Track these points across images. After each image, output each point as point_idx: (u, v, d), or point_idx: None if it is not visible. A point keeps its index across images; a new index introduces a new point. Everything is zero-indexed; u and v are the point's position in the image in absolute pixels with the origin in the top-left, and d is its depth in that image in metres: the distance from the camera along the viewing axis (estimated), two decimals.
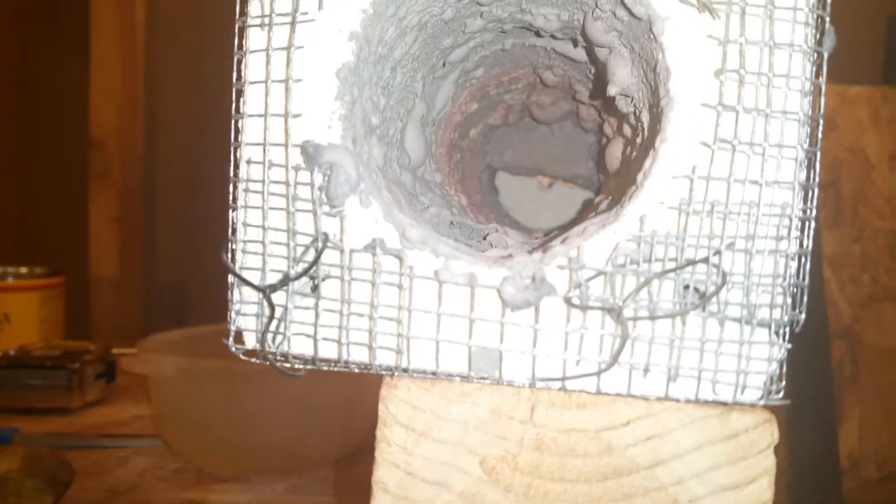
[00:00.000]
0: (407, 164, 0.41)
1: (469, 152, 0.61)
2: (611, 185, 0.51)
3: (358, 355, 0.32)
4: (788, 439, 1.10)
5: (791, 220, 0.29)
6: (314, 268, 0.31)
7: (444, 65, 0.43)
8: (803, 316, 0.30)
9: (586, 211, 0.53)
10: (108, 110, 1.46)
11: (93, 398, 1.03)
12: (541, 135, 0.70)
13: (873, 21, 1.41)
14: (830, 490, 1.14)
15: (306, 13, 0.31)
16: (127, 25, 1.45)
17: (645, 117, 0.37)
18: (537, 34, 0.41)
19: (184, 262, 1.55)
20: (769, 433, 0.33)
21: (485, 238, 0.40)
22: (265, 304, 0.32)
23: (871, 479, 1.22)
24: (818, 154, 0.29)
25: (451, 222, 0.41)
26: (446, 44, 0.40)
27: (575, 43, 0.42)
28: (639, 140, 0.39)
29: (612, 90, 0.38)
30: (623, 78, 0.36)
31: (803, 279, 0.30)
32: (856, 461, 1.23)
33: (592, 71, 0.46)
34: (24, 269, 1.22)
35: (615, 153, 0.49)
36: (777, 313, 0.30)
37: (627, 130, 0.43)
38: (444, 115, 0.48)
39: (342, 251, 0.31)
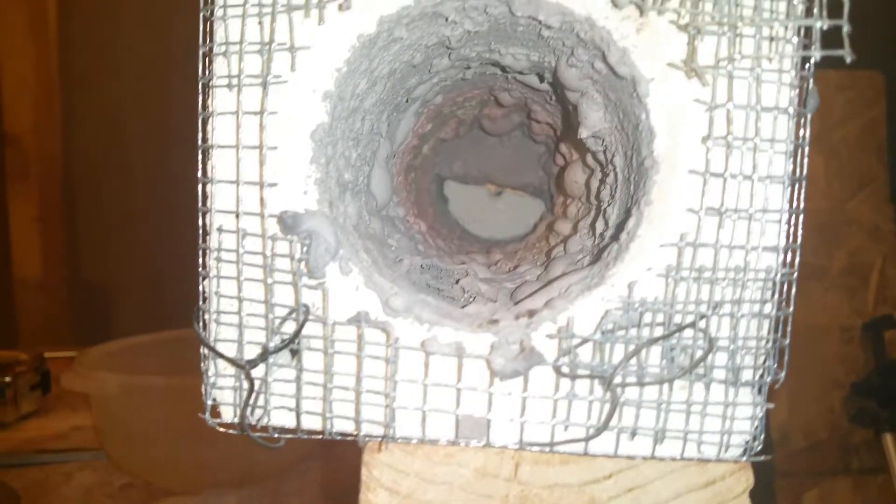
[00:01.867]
0: (374, 208, 0.39)
1: (421, 169, 0.60)
2: (572, 210, 0.51)
3: (342, 426, 0.31)
4: None
5: (775, 283, 0.29)
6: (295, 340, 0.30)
7: (407, 101, 0.41)
8: (784, 373, 0.30)
9: (546, 234, 0.53)
10: (23, 105, 1.38)
11: (28, 410, 1.00)
12: (489, 145, 0.69)
13: None
14: (762, 461, 1.19)
15: (279, 76, 0.29)
16: (37, 17, 1.37)
17: (619, 162, 0.36)
18: (503, 70, 0.40)
19: (108, 260, 1.49)
20: (745, 479, 0.33)
21: (457, 282, 0.39)
22: (243, 377, 0.30)
23: (799, 448, 1.29)
24: (801, 216, 0.29)
25: (422, 266, 0.40)
26: (412, 83, 0.39)
27: (541, 78, 0.41)
28: (609, 179, 0.39)
29: (583, 133, 0.37)
30: (595, 122, 0.36)
31: (785, 337, 0.30)
32: (785, 433, 1.28)
33: (554, 98, 0.45)
34: None
35: (575, 177, 0.49)
36: (759, 373, 0.30)
37: (593, 163, 0.43)
38: (405, 145, 0.47)
39: (324, 323, 0.30)
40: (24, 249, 1.40)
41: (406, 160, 0.50)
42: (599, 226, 0.39)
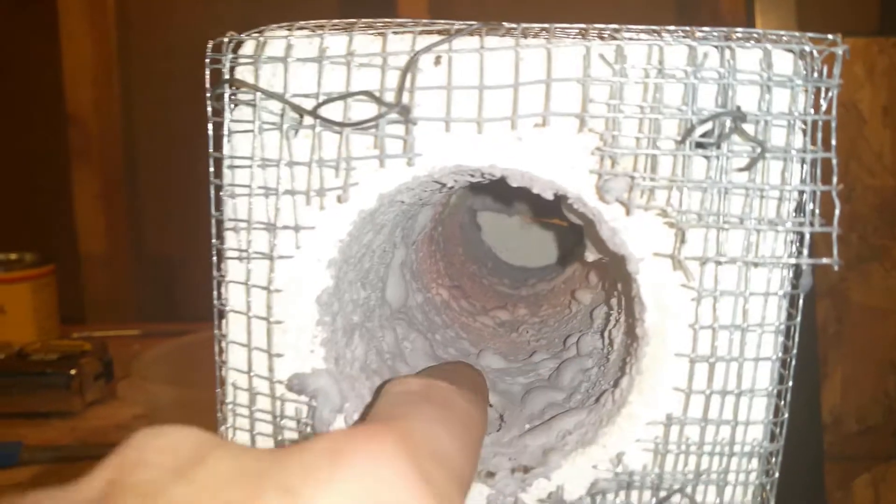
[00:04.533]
0: (388, 316, 0.41)
1: (449, 216, 0.61)
2: (593, 279, 0.52)
3: None
4: None
5: (761, 455, 0.30)
6: None
7: (422, 205, 0.42)
8: None
9: (569, 298, 0.54)
10: (84, 84, 1.42)
11: (92, 398, 1.06)
12: None
13: None
14: (812, 444, 1.19)
15: (284, 254, 0.31)
16: None
17: (622, 289, 0.37)
18: None
19: (170, 234, 1.55)
20: None
21: None
22: None
23: (852, 432, 1.27)
24: (788, 390, 0.30)
25: None
26: (424, 200, 0.40)
27: None
28: (615, 296, 0.40)
29: (589, 257, 0.38)
30: (600, 251, 0.37)
31: (769, 503, 0.31)
32: (837, 416, 1.27)
33: None
34: (13, 256, 1.22)
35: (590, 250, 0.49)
36: None
37: (603, 271, 0.44)
38: (424, 233, 0.48)
39: None
40: (88, 226, 1.46)
41: (428, 232, 0.51)
42: (606, 338, 0.40)
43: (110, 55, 1.45)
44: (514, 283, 0.66)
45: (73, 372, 1.02)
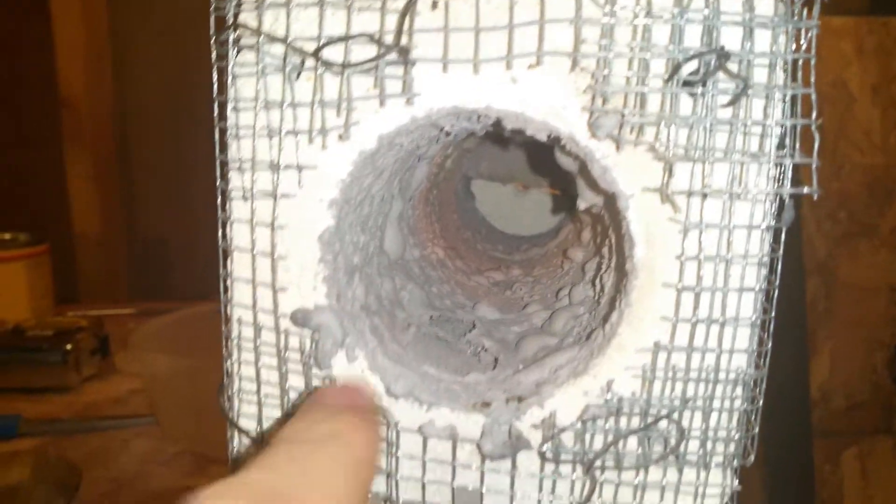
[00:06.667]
0: (386, 266, 0.42)
1: (445, 181, 0.62)
2: (585, 237, 0.53)
3: None
4: None
5: (745, 382, 0.32)
6: None
7: (419, 159, 0.44)
8: (752, 457, 0.33)
9: (561, 257, 0.55)
10: (76, 68, 1.42)
11: (89, 373, 1.06)
12: (515, 144, 0.71)
13: None
14: (800, 420, 1.21)
15: (287, 193, 0.32)
16: None
17: (613, 237, 0.38)
18: None
19: (164, 215, 1.56)
20: None
21: (464, 335, 0.43)
22: None
23: (840, 408, 1.29)
24: (772, 317, 0.31)
25: (431, 317, 0.43)
26: (422, 151, 0.41)
27: None
28: (607, 243, 0.41)
29: (581, 205, 0.39)
30: (591, 198, 0.38)
31: (753, 429, 0.32)
32: (826, 393, 1.29)
33: None
34: (7, 236, 1.22)
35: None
36: (730, 457, 0.33)
37: (595, 222, 0.45)
38: (420, 189, 0.49)
39: None
40: (82, 207, 1.47)
41: (424, 193, 0.52)
42: (597, 285, 0.42)
43: (102, 36, 1.46)
44: (507, 249, 0.68)
45: (68, 347, 1.02)
